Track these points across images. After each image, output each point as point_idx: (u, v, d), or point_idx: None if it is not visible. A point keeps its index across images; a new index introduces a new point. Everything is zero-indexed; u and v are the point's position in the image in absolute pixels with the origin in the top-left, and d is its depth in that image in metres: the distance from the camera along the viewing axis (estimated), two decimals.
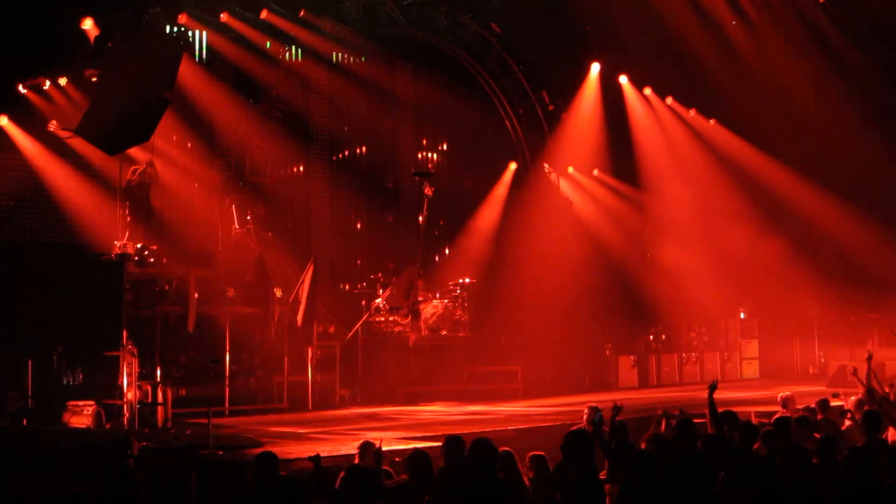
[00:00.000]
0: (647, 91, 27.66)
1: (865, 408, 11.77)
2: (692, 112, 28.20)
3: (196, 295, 18.20)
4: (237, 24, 21.88)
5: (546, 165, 26.03)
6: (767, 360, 27.63)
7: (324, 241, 24.43)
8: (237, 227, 21.03)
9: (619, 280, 26.06)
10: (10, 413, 16.51)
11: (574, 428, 10.75)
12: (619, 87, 27.39)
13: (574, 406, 17.66)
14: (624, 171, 27.30)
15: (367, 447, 10.45)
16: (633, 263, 26.78)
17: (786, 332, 27.42)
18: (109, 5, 19.47)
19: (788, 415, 11.96)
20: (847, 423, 11.64)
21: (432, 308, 22.91)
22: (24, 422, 16.30)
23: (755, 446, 10.21)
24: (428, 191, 21.42)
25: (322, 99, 24.65)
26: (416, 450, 9.67)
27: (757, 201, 27.01)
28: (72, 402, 16.15)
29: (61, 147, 19.91)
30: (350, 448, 13.97)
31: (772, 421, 11.41)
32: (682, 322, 26.85)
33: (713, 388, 11.17)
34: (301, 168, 24.33)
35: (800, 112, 26.19)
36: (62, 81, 20.27)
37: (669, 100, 27.99)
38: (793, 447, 9.30)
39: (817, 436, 10.58)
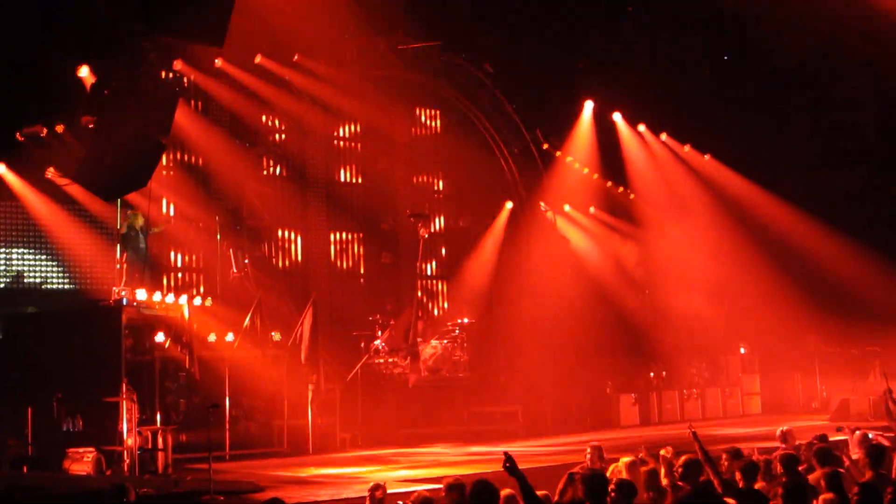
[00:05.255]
0: (642, 127, 27.78)
1: (874, 441, 11.69)
2: (687, 148, 28.31)
3: (195, 340, 18.13)
4: (232, 69, 22.00)
5: (542, 204, 26.05)
6: (769, 394, 27.55)
7: (322, 283, 24.38)
8: (235, 270, 20.98)
9: (618, 317, 26.05)
10: (9, 460, 16.35)
11: (576, 468, 10.68)
12: (613, 124, 27.51)
13: (576, 445, 17.57)
14: (620, 209, 27.35)
15: (376, 489, 10.44)
16: (631, 300, 26.78)
17: (787, 367, 27.36)
18: (105, 53, 19.59)
19: (790, 450, 11.88)
20: (845, 460, 11.53)
21: (431, 349, 22.88)
22: (24, 469, 16.15)
23: (757, 485, 10.12)
24: (423, 232, 21.47)
25: (318, 141, 24.70)
26: (418, 493, 9.61)
27: (755, 236, 27.04)
28: (72, 449, 15.99)
29: (59, 194, 19.97)
30: (352, 492, 14.07)
31: (772, 457, 11.33)
32: (683, 358, 26.77)
33: (695, 435, 11.03)
34: (298, 211, 24.33)
35: (794, 146, 26.33)
36: (60, 129, 20.30)
37: (664, 136, 28.10)
38: (795, 483, 9.23)
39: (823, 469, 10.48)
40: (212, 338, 19.19)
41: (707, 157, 28.49)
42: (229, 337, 19.45)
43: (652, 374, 26.40)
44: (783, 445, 12.96)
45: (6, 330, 19.31)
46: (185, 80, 21.57)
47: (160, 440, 16.86)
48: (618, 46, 25.69)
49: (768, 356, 27.59)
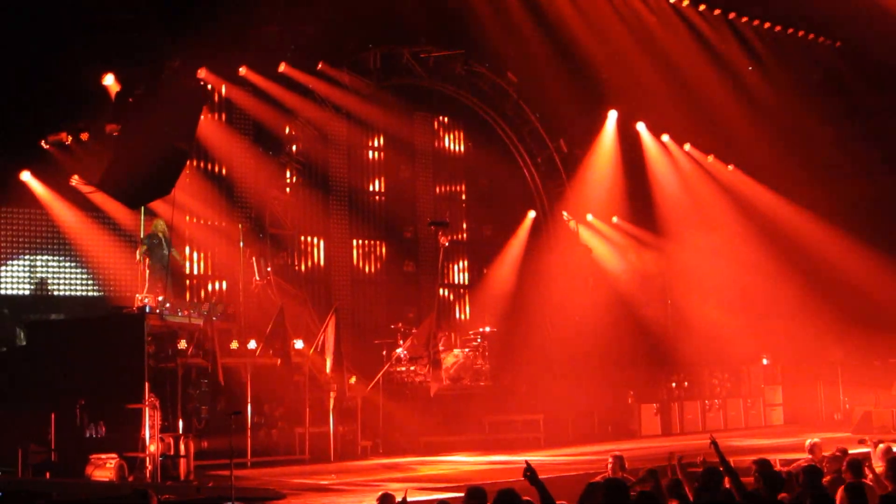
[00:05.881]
0: (665, 137, 27.71)
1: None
2: (710, 158, 28.21)
3: (218, 347, 18.17)
4: (255, 78, 22.07)
5: (565, 213, 26.01)
6: (791, 406, 27.35)
7: (344, 291, 24.46)
8: (258, 278, 21.03)
9: (639, 327, 25.96)
10: (32, 466, 16.41)
11: (598, 478, 10.66)
12: (636, 133, 27.46)
13: (597, 455, 17.62)
14: (643, 218, 27.28)
15: (386, 499, 10.32)
16: (653, 310, 26.68)
17: (810, 378, 27.15)
18: (130, 61, 19.70)
19: (815, 462, 11.80)
20: (868, 473, 11.43)
21: (453, 357, 22.85)
22: (47, 475, 16.21)
23: (781, 496, 10.06)
24: (444, 240, 21.46)
25: (340, 150, 24.76)
26: (440, 502, 9.58)
27: (778, 246, 26.89)
28: (94, 455, 16.04)
29: (83, 201, 20.06)
30: (373, 500, 14.22)
31: (795, 468, 11.26)
32: (704, 369, 26.63)
33: (715, 445, 10.99)
34: (321, 219, 24.38)
35: (818, 155, 26.19)
36: (84, 136, 20.43)
37: (688, 146, 28.02)
38: (820, 495, 9.17)
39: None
40: (234, 345, 19.22)
41: (731, 167, 28.38)
42: (251, 345, 19.48)
43: (674, 385, 26.26)
44: (810, 457, 12.88)
45: (30, 337, 19.43)
46: (209, 88, 21.67)
47: (182, 447, 16.89)
48: (641, 56, 25.59)
49: (791, 367, 27.40)
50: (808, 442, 13.52)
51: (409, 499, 10.33)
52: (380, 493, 10.51)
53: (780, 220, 27.42)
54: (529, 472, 8.96)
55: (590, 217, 26.94)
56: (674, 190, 27.71)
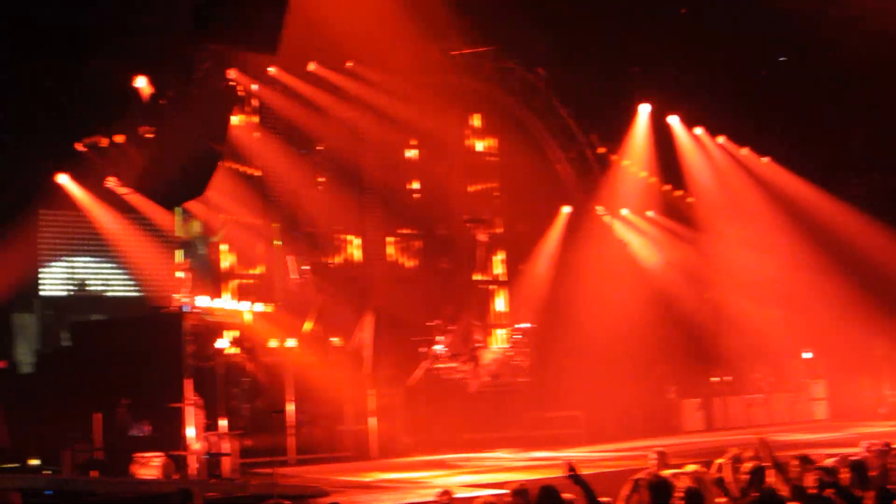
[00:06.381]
0: (699, 130, 27.48)
1: None
2: (745, 150, 27.96)
3: (257, 345, 18.15)
4: (285, 77, 22.02)
5: (599, 208, 25.85)
6: (836, 400, 27.05)
7: (380, 288, 24.31)
8: (294, 277, 20.98)
9: (679, 322, 25.74)
10: (78, 465, 16.44)
11: (640, 474, 10.44)
12: (669, 127, 27.25)
13: (638, 451, 17.40)
14: (678, 212, 27.07)
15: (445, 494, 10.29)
16: (692, 305, 26.44)
17: (854, 372, 26.85)
18: (161, 63, 19.72)
19: (861, 457, 11.53)
20: None
21: (492, 354, 22.82)
22: (93, 473, 16.18)
23: (826, 491, 9.82)
24: (483, 237, 21.37)
25: (372, 147, 24.68)
26: (482, 498, 9.51)
27: (818, 239, 26.61)
28: (139, 454, 16.06)
29: (120, 202, 20.10)
30: (415, 496, 14.20)
31: (841, 463, 11.01)
32: (747, 363, 26.38)
33: (762, 440, 10.81)
34: (355, 217, 24.31)
35: (856, 147, 25.94)
36: (119, 139, 20.46)
37: (721, 139, 27.78)
38: (879, 489, 8.93)
39: None
40: (273, 343, 19.18)
41: (766, 159, 28.12)
42: (290, 343, 19.42)
43: (716, 379, 26.02)
44: (864, 452, 12.63)
45: (74, 337, 19.49)
46: (240, 88, 21.63)
47: (225, 445, 16.83)
48: (673, 48, 25.41)
49: (834, 361, 27.09)
50: (864, 443, 13.25)
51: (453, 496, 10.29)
52: (440, 490, 10.50)
53: (819, 212, 27.12)
54: (572, 473, 8.95)
55: (624, 211, 26.77)
56: (708, 183, 27.48)
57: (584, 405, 22.72)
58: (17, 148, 18.06)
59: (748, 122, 26.75)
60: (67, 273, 20.88)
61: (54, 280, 20.80)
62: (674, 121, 27.24)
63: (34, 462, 16.58)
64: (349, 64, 22.95)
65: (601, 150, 26.53)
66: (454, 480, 15.17)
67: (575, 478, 8.91)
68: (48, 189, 19.97)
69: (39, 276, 20.69)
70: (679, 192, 27.46)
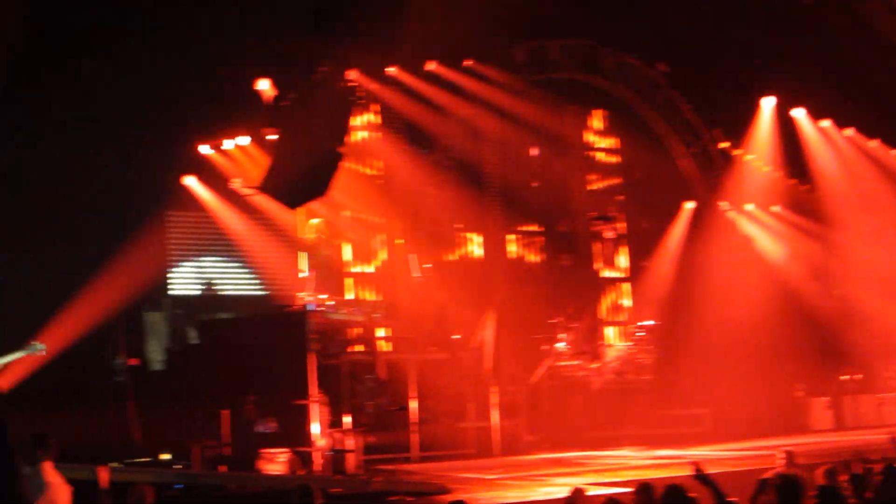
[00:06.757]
0: (825, 123, 26.77)
1: None
2: (875, 143, 27.13)
3: (381, 343, 18.28)
4: (405, 77, 22.12)
5: (723, 203, 25.39)
6: None
7: (501, 285, 24.23)
8: (416, 275, 21.08)
9: (807, 318, 25.09)
10: (207, 460, 16.79)
11: (768, 474, 10.29)
12: (794, 120, 26.61)
13: (766, 450, 16.98)
14: (805, 206, 26.42)
15: (577, 493, 10.22)
16: (821, 301, 25.77)
17: None
18: (283, 66, 20.03)
19: None
20: None
21: (615, 351, 22.69)
22: (221, 468, 16.54)
23: None
24: (610, 234, 21.19)
25: (492, 145, 24.61)
26: (609, 497, 9.43)
27: None
28: (265, 450, 16.31)
29: (244, 203, 20.45)
30: (539, 494, 14.26)
31: None
32: (878, 361, 25.58)
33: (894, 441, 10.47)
34: (476, 214, 24.33)
35: None
36: (243, 141, 20.85)
37: (849, 131, 27.00)
38: None
39: None
40: (395, 342, 19.29)
41: None
42: (413, 341, 19.52)
43: (845, 377, 25.32)
44: None
45: (202, 335, 19.91)
46: (359, 89, 21.82)
47: (350, 442, 16.98)
48: (798, 39, 24.82)
49: None
50: None
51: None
52: (571, 488, 10.41)
53: None
54: (699, 474, 8.87)
55: (749, 206, 26.24)
56: (836, 176, 26.72)
57: (710, 403, 22.49)
58: (146, 151, 18.49)
59: (877, 113, 25.93)
60: (195, 273, 21.35)
61: (183, 279, 21.30)
62: (799, 113, 26.57)
63: (165, 457, 17.01)
64: (468, 62, 22.95)
65: (724, 144, 26.03)
66: (577, 480, 14.88)
67: (702, 477, 8.82)
68: (176, 191, 20.44)
69: (169, 275, 21.20)
70: (805, 187, 26.78)
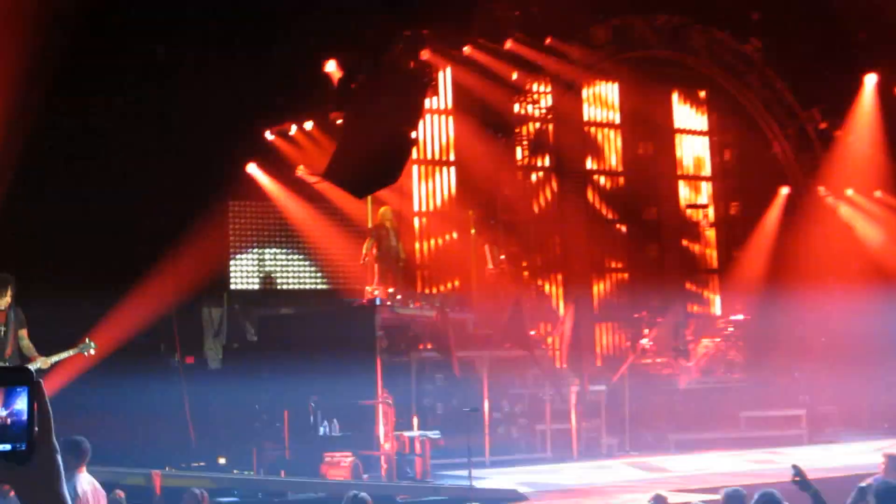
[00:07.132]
0: None
1: None
2: None
3: (453, 339, 17.46)
4: (481, 57, 21.23)
5: (821, 188, 24.16)
6: None
7: (582, 278, 23.49)
8: (491, 267, 20.25)
9: None
10: (267, 464, 16.24)
11: (867, 480, 9.68)
12: None
13: (867, 453, 16.43)
14: None
15: (660, 501, 9.88)
16: None
17: None
18: (352, 46, 19.46)
19: None
20: None
21: (703, 348, 21.74)
22: (282, 474, 15.93)
23: None
24: (706, 223, 20.28)
25: (573, 129, 23.72)
26: None
27: None
28: (328, 454, 15.70)
29: (309, 192, 19.96)
30: (620, 502, 14.21)
31: None
32: None
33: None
34: (555, 203, 23.39)
35: None
36: (308, 126, 20.28)
37: None
38: None
39: None
40: (467, 338, 18.49)
41: None
42: (487, 337, 18.80)
43: None
44: None
45: (260, 332, 19.38)
46: (433, 70, 20.96)
47: (417, 445, 16.26)
48: None
49: None
50: None
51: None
52: (652, 494, 10.12)
53: None
54: (799, 477, 8.64)
55: (850, 192, 24.92)
56: None
57: (806, 403, 21.44)
58: (208, 138, 17.87)
59: None
60: (256, 265, 20.83)
61: (243, 273, 20.76)
62: None
63: (222, 461, 16.47)
64: (548, 41, 21.96)
65: (823, 125, 24.73)
66: (662, 485, 14.28)
67: (803, 483, 8.57)
68: (238, 180, 19.92)
69: (230, 268, 20.66)
70: None
